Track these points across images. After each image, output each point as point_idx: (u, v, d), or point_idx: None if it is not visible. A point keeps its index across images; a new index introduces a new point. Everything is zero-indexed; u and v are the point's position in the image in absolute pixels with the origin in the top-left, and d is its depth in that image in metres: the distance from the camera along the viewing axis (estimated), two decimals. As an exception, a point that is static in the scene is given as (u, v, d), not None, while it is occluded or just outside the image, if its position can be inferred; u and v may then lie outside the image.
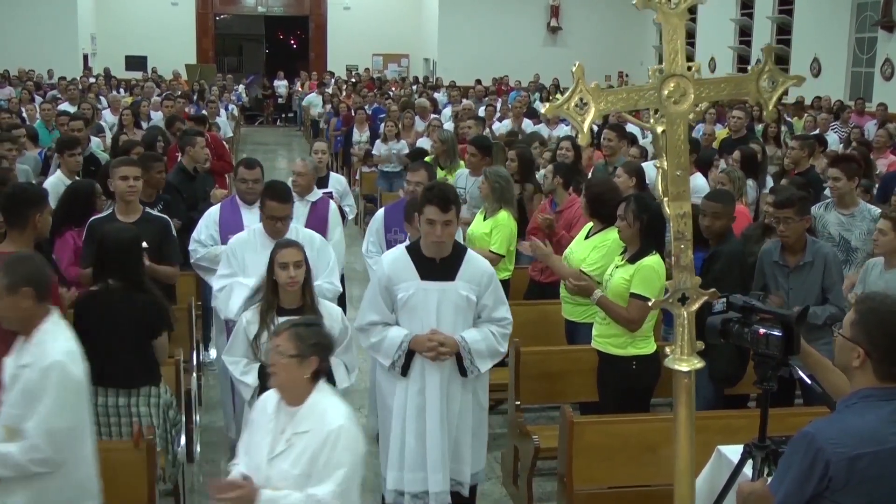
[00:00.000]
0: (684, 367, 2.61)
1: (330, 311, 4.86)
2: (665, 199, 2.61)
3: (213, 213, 6.51)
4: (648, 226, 5.25)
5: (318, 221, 6.64)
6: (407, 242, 5.33)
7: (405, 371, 4.86)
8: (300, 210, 6.63)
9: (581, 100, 2.58)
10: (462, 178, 8.66)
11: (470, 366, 4.85)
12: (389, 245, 6.29)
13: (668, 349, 2.60)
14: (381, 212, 6.86)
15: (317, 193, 7.14)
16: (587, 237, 6.10)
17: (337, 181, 8.60)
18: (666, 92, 2.57)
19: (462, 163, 9.25)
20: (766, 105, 2.71)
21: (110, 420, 4.79)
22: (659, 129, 2.60)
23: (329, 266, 5.75)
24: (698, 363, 2.60)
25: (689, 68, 2.59)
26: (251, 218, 6.17)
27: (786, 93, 2.93)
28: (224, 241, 6.19)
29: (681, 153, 2.60)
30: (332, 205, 7.13)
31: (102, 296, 4.82)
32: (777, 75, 2.68)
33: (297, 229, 5.72)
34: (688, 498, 2.70)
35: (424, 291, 4.83)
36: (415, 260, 4.87)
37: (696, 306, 2.64)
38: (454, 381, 4.88)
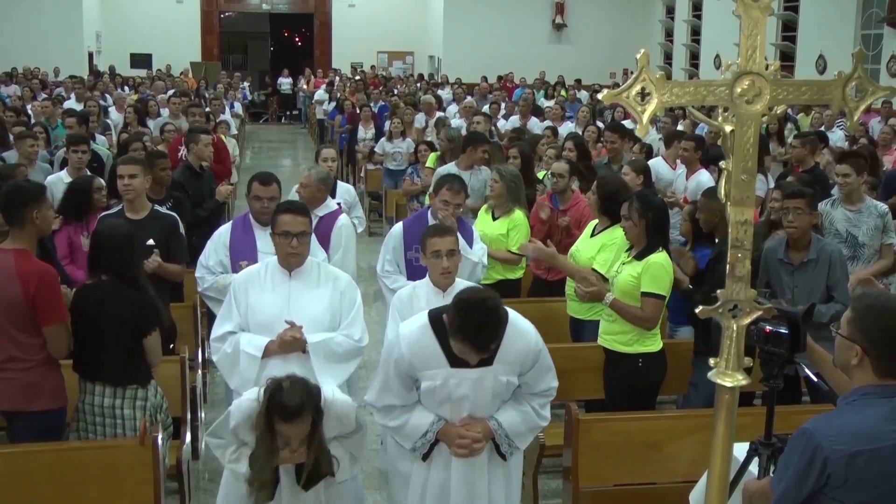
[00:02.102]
0: (728, 383, 2.52)
1: (339, 415, 4.03)
2: (727, 203, 2.52)
3: (222, 234, 5.75)
4: (654, 223, 5.25)
5: (321, 238, 5.95)
6: (429, 303, 4.56)
7: (426, 456, 4.10)
8: None
9: (643, 89, 2.49)
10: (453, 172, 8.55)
11: (508, 448, 4.11)
12: (409, 265, 5.91)
13: (711, 361, 2.53)
14: (398, 227, 6.12)
15: (329, 206, 6.56)
16: (592, 234, 6.09)
17: (346, 191, 8.01)
18: (739, 90, 2.46)
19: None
20: (850, 115, 2.55)
21: (95, 419, 4.73)
22: (727, 129, 2.48)
23: (352, 314, 4.85)
24: (743, 379, 2.51)
25: (767, 67, 2.47)
26: (266, 241, 5.25)
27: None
28: (235, 267, 5.52)
29: (748, 157, 2.45)
30: (343, 220, 6.42)
31: (92, 290, 4.79)
32: (867, 84, 2.54)
33: (320, 266, 4.89)
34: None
35: (456, 381, 3.94)
36: (443, 341, 3.88)
37: (748, 320, 2.53)
38: (484, 464, 4.11)
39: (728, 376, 2.52)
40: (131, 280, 4.77)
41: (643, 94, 2.49)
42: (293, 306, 4.60)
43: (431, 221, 5.87)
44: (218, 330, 4.73)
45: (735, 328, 2.53)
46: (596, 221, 6.15)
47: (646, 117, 2.46)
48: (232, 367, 4.64)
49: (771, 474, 3.43)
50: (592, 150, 10.03)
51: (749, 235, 2.54)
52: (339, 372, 4.67)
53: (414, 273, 5.81)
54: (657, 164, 9.22)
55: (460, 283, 4.75)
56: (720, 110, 2.53)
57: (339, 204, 7.28)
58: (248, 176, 19.82)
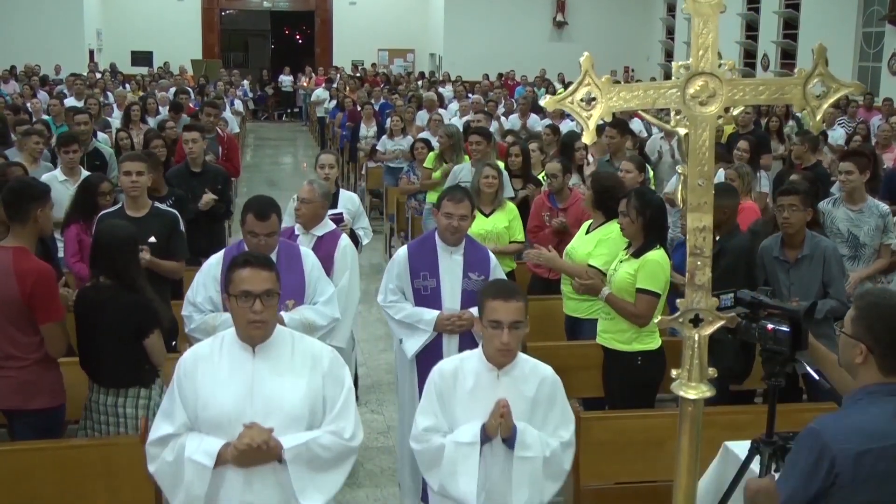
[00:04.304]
0: (691, 395, 2.42)
1: None
2: (685, 208, 2.42)
3: (212, 266, 4.93)
4: (651, 220, 5.25)
5: (323, 261, 5.40)
6: (479, 383, 3.78)
7: None
8: (304, 244, 5.54)
9: (588, 94, 2.38)
10: (466, 170, 8.58)
11: None
12: (418, 295, 5.21)
13: (674, 372, 2.45)
14: (402, 252, 5.38)
15: (327, 225, 5.92)
16: (588, 232, 6.09)
17: (349, 200, 7.29)
18: (691, 91, 2.35)
19: (467, 157, 9.24)
20: (812, 114, 2.40)
21: (100, 418, 4.74)
22: (682, 132, 2.39)
23: (340, 402, 3.61)
24: (707, 391, 2.42)
25: (721, 66, 2.36)
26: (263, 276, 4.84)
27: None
28: (226, 304, 4.31)
29: (705, 161, 2.35)
30: (345, 241, 5.81)
31: (91, 292, 4.78)
32: (830, 81, 2.41)
33: (293, 338, 3.69)
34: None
35: None
36: None
37: (709, 330, 2.44)
38: None
39: (692, 388, 2.42)
40: (129, 282, 4.75)
41: (589, 99, 2.38)
42: (259, 396, 3.50)
43: (438, 243, 5.26)
44: (156, 432, 3.57)
45: (697, 338, 2.43)
46: (591, 220, 6.17)
47: (592, 123, 2.34)
48: (174, 481, 3.51)
49: (772, 472, 3.43)
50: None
51: (708, 242, 2.43)
52: (329, 483, 3.58)
53: (422, 303, 5.21)
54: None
55: (523, 360, 3.90)
56: (672, 113, 2.42)
57: (341, 213, 6.95)
58: (249, 174, 19.68)
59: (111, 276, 4.74)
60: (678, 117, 2.38)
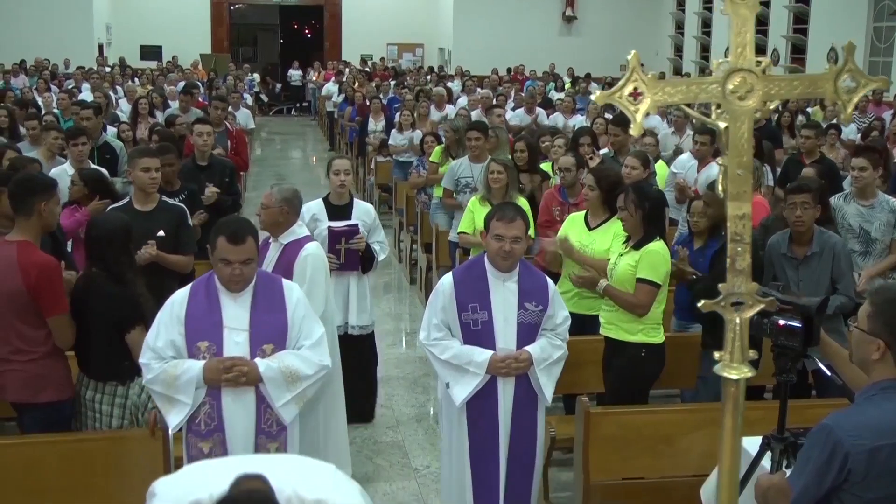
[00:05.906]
0: (734, 375, 2.54)
1: None
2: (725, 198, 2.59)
3: (175, 303, 4.21)
4: (650, 213, 5.29)
5: (284, 271, 5.10)
6: None
7: None
8: (270, 254, 5.39)
9: (635, 89, 2.54)
10: (464, 166, 8.57)
11: None
12: (467, 331, 4.57)
13: (716, 354, 2.57)
14: (447, 282, 4.69)
15: (293, 233, 5.47)
16: (591, 227, 6.14)
17: (364, 212, 6.58)
18: (731, 86, 2.48)
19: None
20: (843, 107, 2.56)
21: (82, 409, 4.74)
22: (721, 125, 2.55)
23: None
24: (749, 372, 2.54)
25: (758, 63, 2.54)
26: (237, 313, 4.16)
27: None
28: (192, 349, 4.12)
29: (743, 152, 2.49)
30: (310, 249, 5.36)
31: (83, 282, 4.78)
32: (859, 76, 2.54)
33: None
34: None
35: None
36: None
37: (750, 313, 2.57)
38: None
39: (734, 369, 2.54)
40: (118, 273, 4.72)
41: (635, 94, 2.52)
42: None
43: (489, 269, 4.65)
44: None
45: (738, 321, 2.55)
46: (581, 214, 6.25)
47: (639, 116, 2.49)
48: None
49: (784, 469, 3.42)
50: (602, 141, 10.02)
51: (748, 229, 2.56)
52: None
53: (472, 340, 4.60)
54: (687, 161, 9.14)
55: None
56: (713, 107, 2.56)
57: (356, 225, 6.43)
58: (257, 168, 19.69)
59: (101, 268, 4.73)
60: (719, 111, 2.52)
